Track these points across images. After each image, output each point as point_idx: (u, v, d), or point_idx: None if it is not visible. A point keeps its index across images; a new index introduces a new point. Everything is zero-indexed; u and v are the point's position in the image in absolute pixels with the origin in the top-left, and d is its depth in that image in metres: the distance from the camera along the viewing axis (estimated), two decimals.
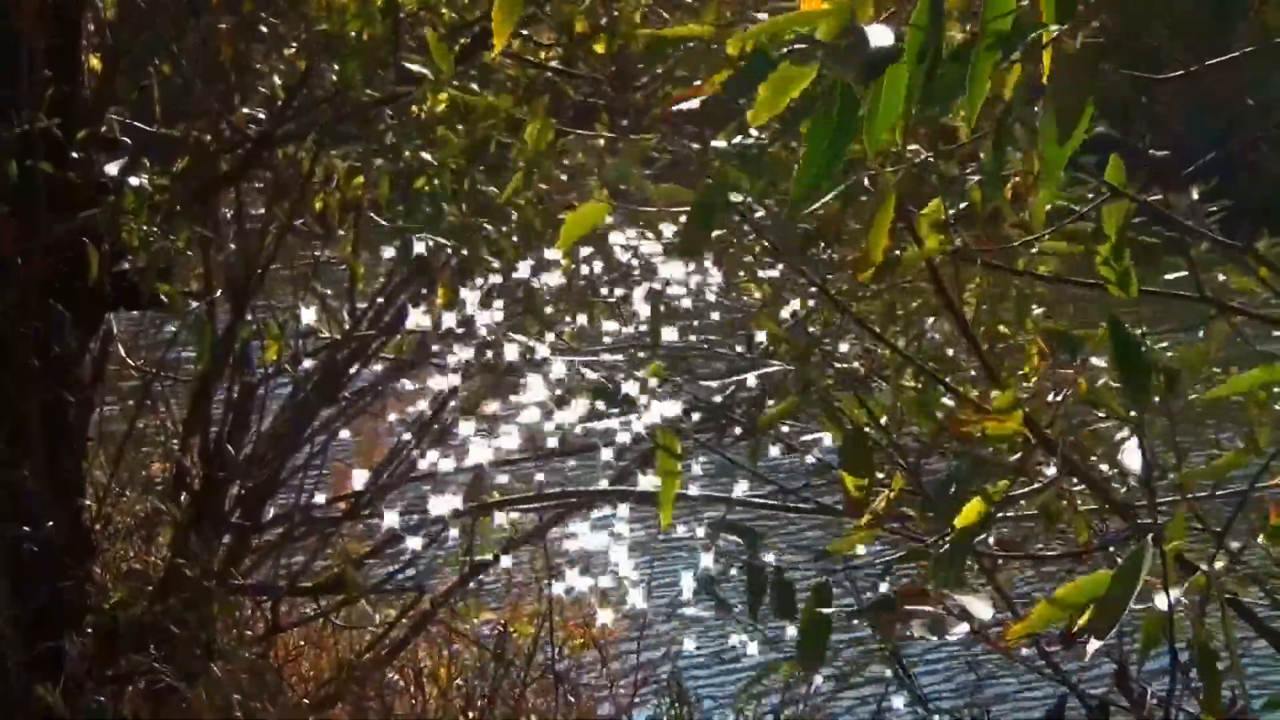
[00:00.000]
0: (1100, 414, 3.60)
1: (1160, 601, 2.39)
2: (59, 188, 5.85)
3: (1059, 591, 2.37)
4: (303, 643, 7.26)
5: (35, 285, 6.05)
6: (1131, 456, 2.48)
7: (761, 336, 4.22)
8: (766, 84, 2.00)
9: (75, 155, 5.90)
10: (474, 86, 4.04)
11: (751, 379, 4.42)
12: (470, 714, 6.53)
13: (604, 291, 5.98)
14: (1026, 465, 3.06)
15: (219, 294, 6.43)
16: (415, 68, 3.65)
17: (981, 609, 2.64)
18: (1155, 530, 2.39)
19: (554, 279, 5.34)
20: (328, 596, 7.03)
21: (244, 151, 5.99)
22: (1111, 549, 3.22)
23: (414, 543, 7.13)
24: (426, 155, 4.09)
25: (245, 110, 5.90)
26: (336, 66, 4.72)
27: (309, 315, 6.63)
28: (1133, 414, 2.47)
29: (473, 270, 4.85)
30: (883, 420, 3.59)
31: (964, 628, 2.72)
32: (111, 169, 5.96)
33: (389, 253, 6.09)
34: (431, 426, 7.05)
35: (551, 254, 5.24)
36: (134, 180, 5.65)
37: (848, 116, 1.87)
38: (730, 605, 3.07)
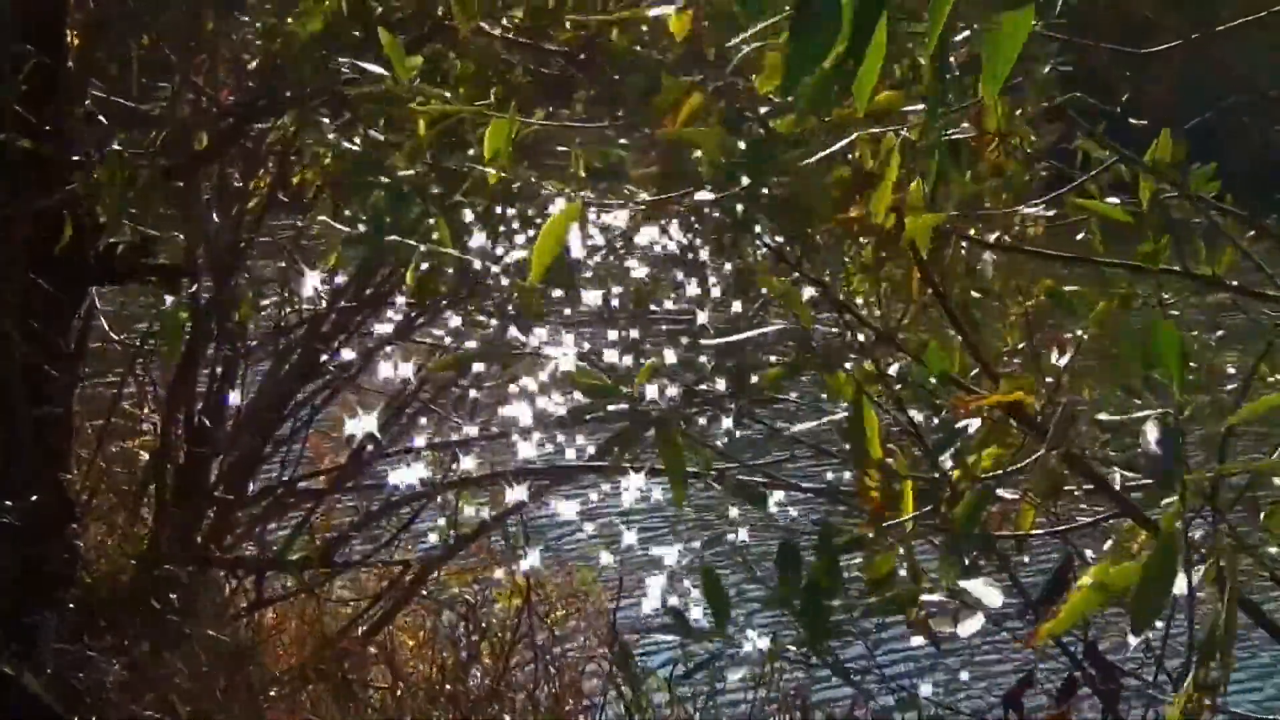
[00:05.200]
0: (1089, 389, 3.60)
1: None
2: (39, 162, 5.83)
3: (1084, 584, 2.31)
4: (287, 616, 7.26)
5: (16, 258, 6.04)
6: (1152, 437, 2.39)
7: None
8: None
9: (56, 129, 5.88)
10: (446, 62, 4.02)
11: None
12: (450, 687, 6.53)
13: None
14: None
15: (202, 268, 6.42)
16: (371, 68, 3.58)
17: (992, 596, 2.61)
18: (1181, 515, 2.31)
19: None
20: (311, 570, 7.03)
21: (225, 126, 5.97)
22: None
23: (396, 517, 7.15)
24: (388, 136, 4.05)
25: (225, 83, 5.88)
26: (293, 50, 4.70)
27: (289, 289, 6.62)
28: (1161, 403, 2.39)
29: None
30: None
31: (979, 621, 2.69)
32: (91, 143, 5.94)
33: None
34: (412, 402, 7.04)
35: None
36: (113, 155, 5.63)
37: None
38: (695, 627, 3.04)
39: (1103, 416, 2.86)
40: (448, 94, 3.46)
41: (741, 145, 3.10)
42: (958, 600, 2.70)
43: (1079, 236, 3.95)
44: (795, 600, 2.73)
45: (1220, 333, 4.28)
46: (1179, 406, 2.37)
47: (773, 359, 3.47)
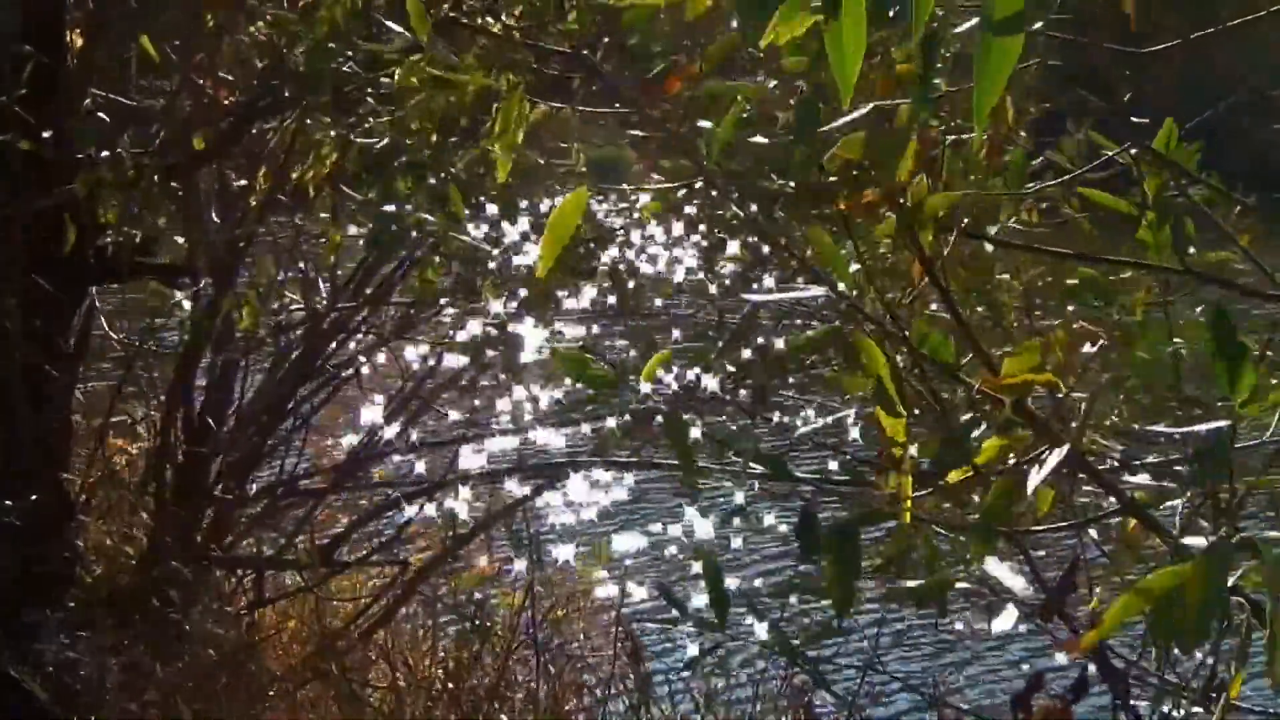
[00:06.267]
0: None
1: None
2: (39, 162, 5.83)
3: (1134, 590, 2.29)
4: (286, 616, 7.26)
5: (16, 258, 6.04)
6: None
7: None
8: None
9: (56, 129, 5.88)
10: (452, 57, 4.02)
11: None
12: (450, 685, 6.53)
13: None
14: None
15: (201, 268, 6.41)
16: (395, 27, 3.63)
17: (1014, 580, 2.61)
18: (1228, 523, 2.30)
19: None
20: (311, 570, 7.03)
21: (225, 126, 5.98)
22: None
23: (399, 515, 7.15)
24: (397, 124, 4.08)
25: (225, 82, 5.88)
26: (303, 49, 4.70)
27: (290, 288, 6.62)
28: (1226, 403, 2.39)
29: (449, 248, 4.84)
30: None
31: (1012, 615, 2.68)
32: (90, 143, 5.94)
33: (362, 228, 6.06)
34: (413, 399, 7.05)
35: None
36: (112, 155, 5.63)
37: None
38: (689, 611, 3.04)
39: (1154, 428, 2.85)
40: (458, 59, 3.47)
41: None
42: (987, 590, 2.70)
43: (1063, 217, 3.94)
44: (818, 559, 2.72)
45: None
46: (1232, 412, 2.38)
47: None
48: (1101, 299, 3.63)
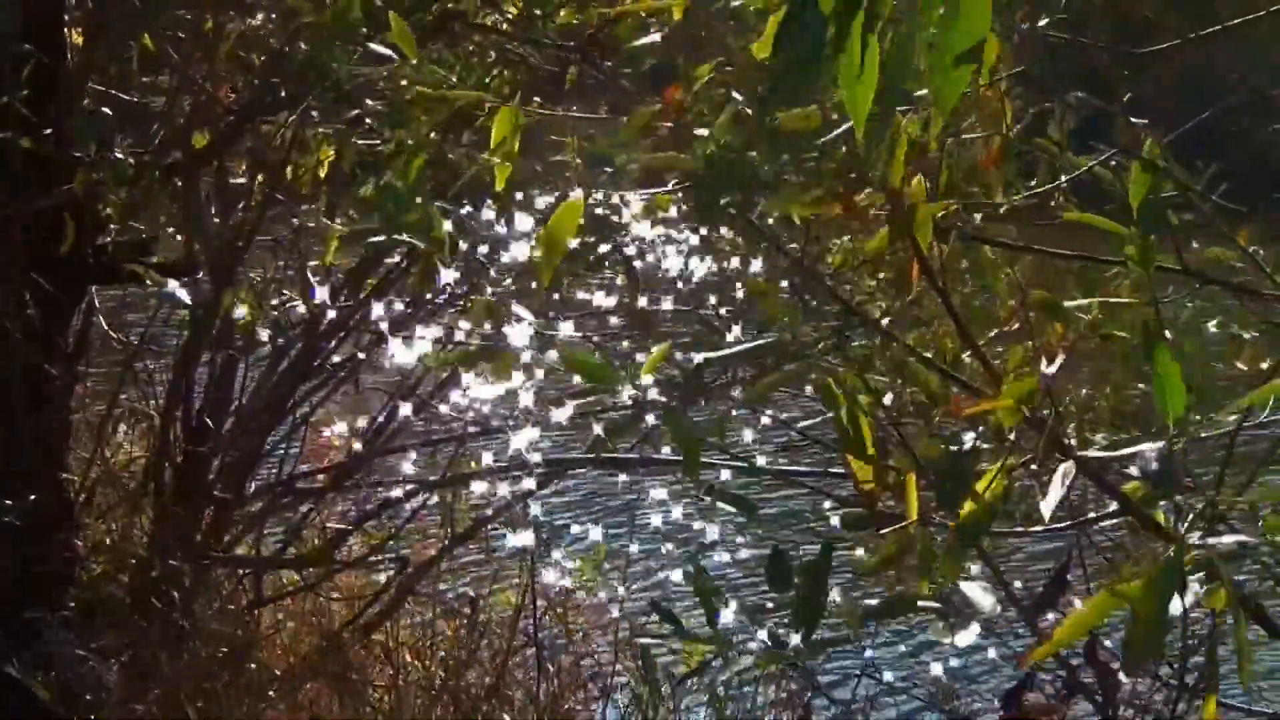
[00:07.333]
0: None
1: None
2: (39, 162, 5.84)
3: (1084, 607, 2.29)
4: (281, 616, 7.25)
5: (16, 258, 6.04)
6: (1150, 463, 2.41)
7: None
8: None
9: (56, 129, 5.88)
10: (448, 58, 4.02)
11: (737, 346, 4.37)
12: (450, 683, 6.53)
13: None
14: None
15: (201, 267, 6.41)
16: (382, 49, 3.62)
17: (984, 599, 2.62)
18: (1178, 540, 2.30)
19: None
20: (310, 569, 7.03)
21: (225, 125, 5.98)
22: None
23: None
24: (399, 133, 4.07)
25: (225, 79, 5.88)
26: (304, 45, 4.70)
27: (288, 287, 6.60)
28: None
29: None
30: (884, 399, 3.56)
31: (975, 631, 2.70)
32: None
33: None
34: (411, 397, 7.03)
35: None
36: (113, 154, 5.64)
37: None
38: (682, 624, 3.04)
39: (1096, 453, 2.85)
40: (454, 78, 3.46)
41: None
42: (953, 606, 2.71)
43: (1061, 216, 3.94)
44: (789, 590, 2.73)
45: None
46: (1177, 431, 2.38)
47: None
48: (1061, 321, 3.64)
